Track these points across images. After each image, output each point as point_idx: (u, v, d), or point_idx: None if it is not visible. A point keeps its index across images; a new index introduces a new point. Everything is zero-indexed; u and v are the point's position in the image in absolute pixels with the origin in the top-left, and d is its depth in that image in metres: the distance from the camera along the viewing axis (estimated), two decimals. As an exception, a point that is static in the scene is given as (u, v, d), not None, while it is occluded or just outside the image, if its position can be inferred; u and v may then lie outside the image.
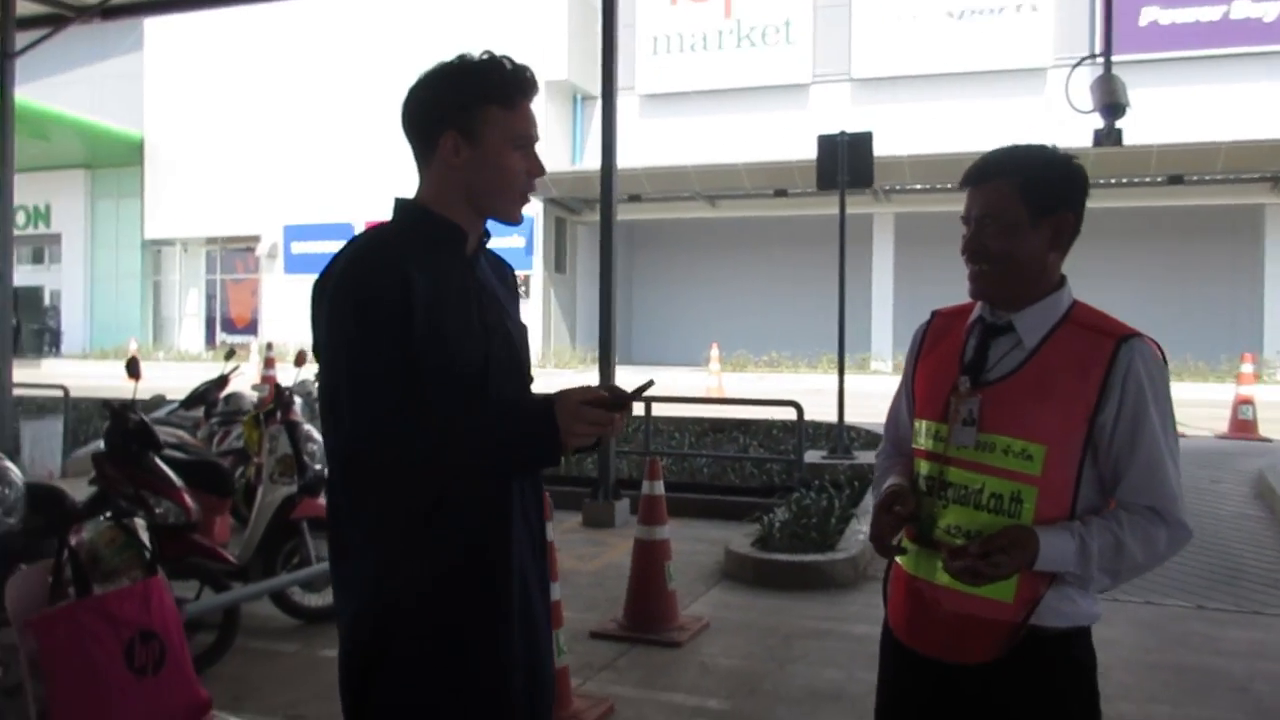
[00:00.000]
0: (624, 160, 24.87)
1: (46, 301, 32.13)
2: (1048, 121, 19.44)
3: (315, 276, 1.75)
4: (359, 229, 1.87)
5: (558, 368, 23.58)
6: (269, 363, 14.92)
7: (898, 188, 22.53)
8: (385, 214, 1.84)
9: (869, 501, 6.96)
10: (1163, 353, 1.85)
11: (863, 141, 8.27)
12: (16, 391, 11.26)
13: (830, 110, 24.38)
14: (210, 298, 31.13)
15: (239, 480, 6.73)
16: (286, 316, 26.38)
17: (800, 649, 4.91)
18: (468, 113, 1.76)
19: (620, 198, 25.28)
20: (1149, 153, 19.85)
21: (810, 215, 22.41)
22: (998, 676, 1.81)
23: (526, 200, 1.86)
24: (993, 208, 1.86)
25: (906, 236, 23.88)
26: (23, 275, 31.31)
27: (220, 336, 29.77)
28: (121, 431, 4.92)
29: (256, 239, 28.76)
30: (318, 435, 5.73)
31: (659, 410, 10.07)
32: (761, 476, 9.11)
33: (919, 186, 22.42)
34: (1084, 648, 1.85)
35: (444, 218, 1.79)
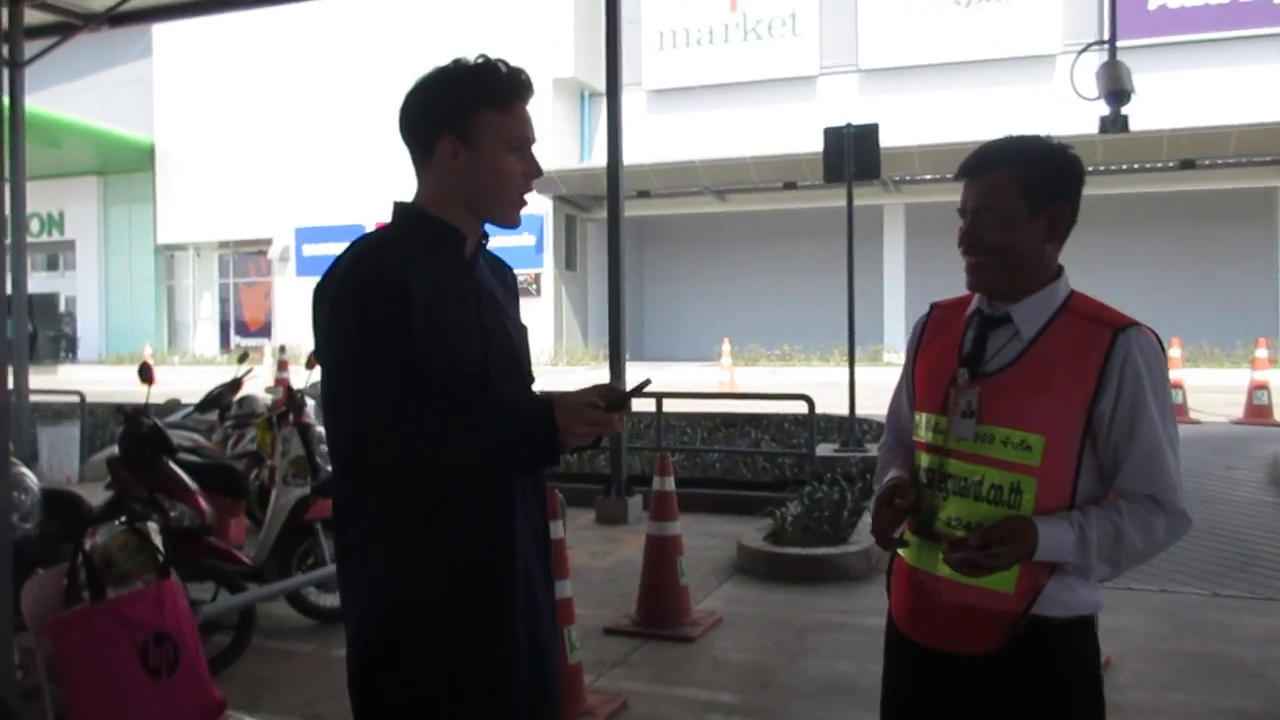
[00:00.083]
0: (632, 156, 24.82)
1: (62, 308, 32.36)
2: (1057, 108, 19.33)
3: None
4: (370, 230, 1.89)
5: (570, 365, 23.63)
6: (282, 365, 15.01)
7: (907, 178, 22.45)
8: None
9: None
10: (1160, 342, 1.85)
11: (869, 133, 8.26)
12: (33, 398, 11.36)
13: (838, 102, 24.32)
14: (223, 301, 31.29)
15: (253, 483, 6.78)
16: (299, 319, 26.49)
17: (813, 642, 4.92)
18: (464, 116, 1.77)
19: (629, 194, 25.33)
20: (1160, 138, 19.74)
21: (820, 208, 22.35)
22: (1000, 667, 1.82)
23: (524, 203, 1.88)
24: (989, 199, 1.87)
25: (917, 227, 23.81)
26: (38, 282, 31.55)
27: (234, 340, 29.92)
28: (135, 436, 4.98)
29: (268, 242, 28.89)
30: (330, 437, 5.77)
31: (670, 406, 10.07)
32: (774, 470, 9.11)
33: (928, 177, 22.34)
34: (1087, 637, 1.86)
35: (442, 221, 1.81)
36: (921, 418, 1.97)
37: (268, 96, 27.76)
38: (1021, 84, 23.26)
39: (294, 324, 26.81)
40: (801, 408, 8.66)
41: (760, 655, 4.80)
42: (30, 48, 9.86)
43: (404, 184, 1.80)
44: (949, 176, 22.21)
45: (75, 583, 2.57)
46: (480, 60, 1.82)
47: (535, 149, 1.87)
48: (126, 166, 30.09)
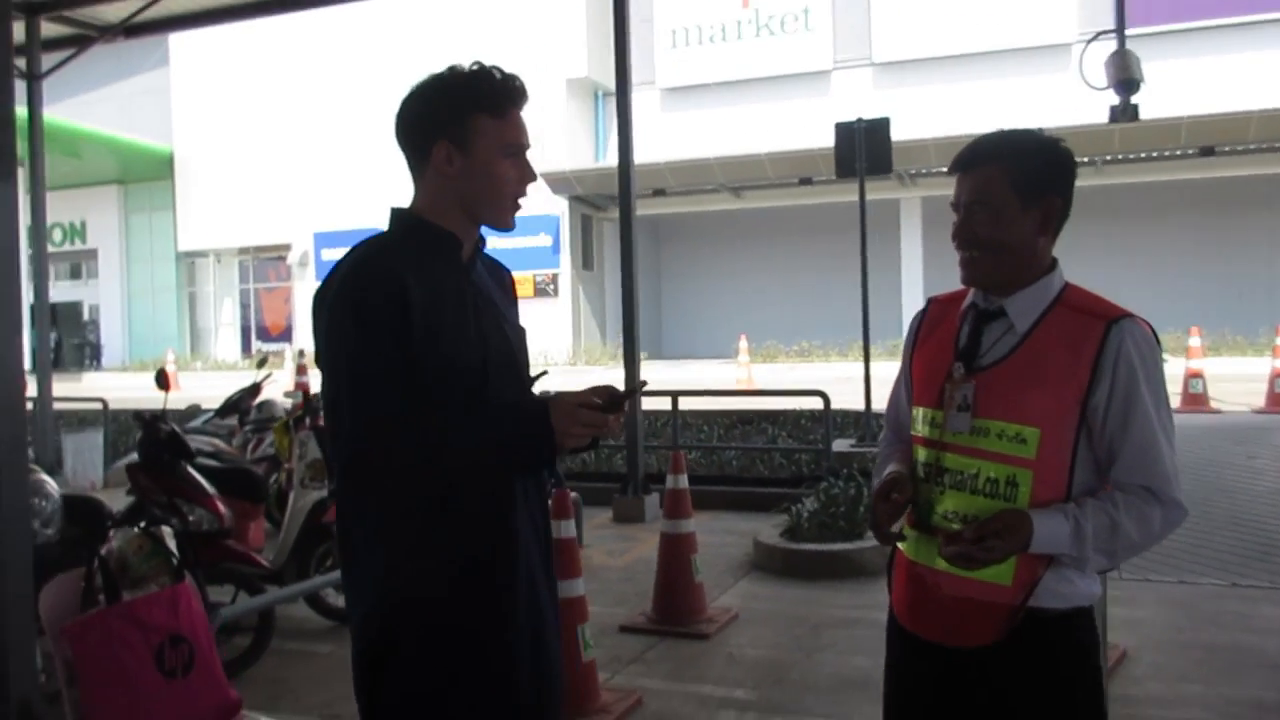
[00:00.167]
0: (647, 155, 24.91)
1: (85, 316, 32.68)
2: (1073, 98, 19.20)
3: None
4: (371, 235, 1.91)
5: (588, 364, 23.66)
6: (301, 369, 15.13)
7: (923, 171, 22.36)
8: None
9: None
10: (1155, 333, 1.86)
11: (880, 127, 8.24)
12: (57, 405, 11.52)
13: (852, 96, 24.26)
14: (244, 307, 31.53)
15: (272, 486, 6.85)
16: (320, 323, 26.59)
17: (828, 638, 4.93)
18: (458, 123, 1.80)
19: (644, 192, 25.40)
20: (1179, 125, 19.59)
21: (836, 203, 22.29)
22: (999, 659, 1.82)
23: (518, 207, 1.90)
24: (982, 194, 1.88)
25: (934, 220, 23.69)
26: (62, 291, 31.94)
27: (255, 345, 30.15)
28: (154, 442, 5.04)
29: (287, 247, 29.08)
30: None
31: (687, 404, 10.09)
32: (790, 467, 9.11)
33: (944, 170, 22.21)
34: (1085, 629, 1.86)
35: (438, 226, 1.83)
36: (918, 412, 1.98)
37: (284, 102, 27.93)
38: (1037, 74, 23.11)
39: (314, 328, 26.92)
40: (818, 403, 8.66)
41: (775, 651, 4.81)
42: (48, 60, 9.99)
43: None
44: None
45: (91, 586, 2.62)
46: (475, 67, 1.84)
47: (533, 153, 1.89)
48: (146, 175, 30.36)
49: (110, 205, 31.50)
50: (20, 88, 10.01)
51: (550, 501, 4.22)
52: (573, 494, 7.28)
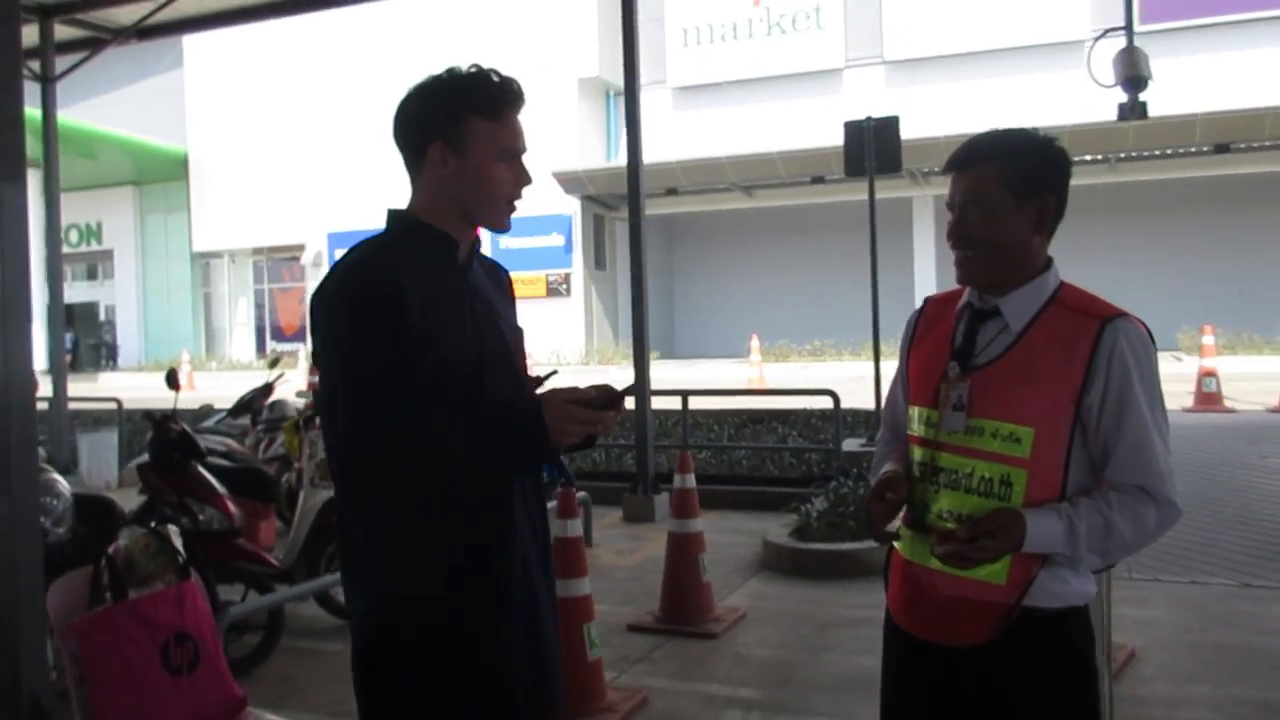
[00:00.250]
0: (658, 154, 24.89)
1: (102, 316, 32.90)
2: (1086, 95, 19.13)
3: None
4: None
5: (601, 364, 23.68)
6: (314, 369, 15.17)
7: (936, 170, 22.27)
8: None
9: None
10: (1150, 333, 1.86)
11: (889, 126, 8.23)
12: (72, 405, 11.62)
13: (864, 94, 24.20)
14: (259, 307, 31.68)
15: (283, 485, 6.89)
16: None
17: (835, 637, 4.93)
18: (454, 125, 1.80)
19: (656, 191, 25.39)
20: (1193, 122, 19.48)
21: (848, 201, 22.25)
22: (993, 658, 1.83)
23: (514, 209, 1.91)
24: (976, 193, 1.88)
25: (947, 219, 23.60)
26: (78, 291, 32.17)
27: (270, 345, 30.29)
28: (164, 441, 5.08)
29: (301, 248, 29.21)
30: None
31: (698, 404, 10.11)
32: (800, 466, 9.11)
33: (953, 169, 22.14)
34: (1080, 628, 1.86)
35: (434, 227, 1.84)
36: (914, 411, 1.99)
37: (297, 103, 28.05)
38: (1050, 71, 22.99)
39: (328, 328, 27.03)
40: (829, 403, 8.65)
41: (782, 651, 4.81)
42: (61, 62, 10.08)
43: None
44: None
45: (99, 584, 2.65)
46: (472, 69, 1.85)
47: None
48: (161, 176, 30.54)
49: (126, 206, 31.71)
50: (34, 90, 10.16)
51: (555, 500, 4.26)
52: (582, 493, 7.35)
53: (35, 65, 10.00)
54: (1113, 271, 23.04)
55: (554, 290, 26.30)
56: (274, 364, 9.42)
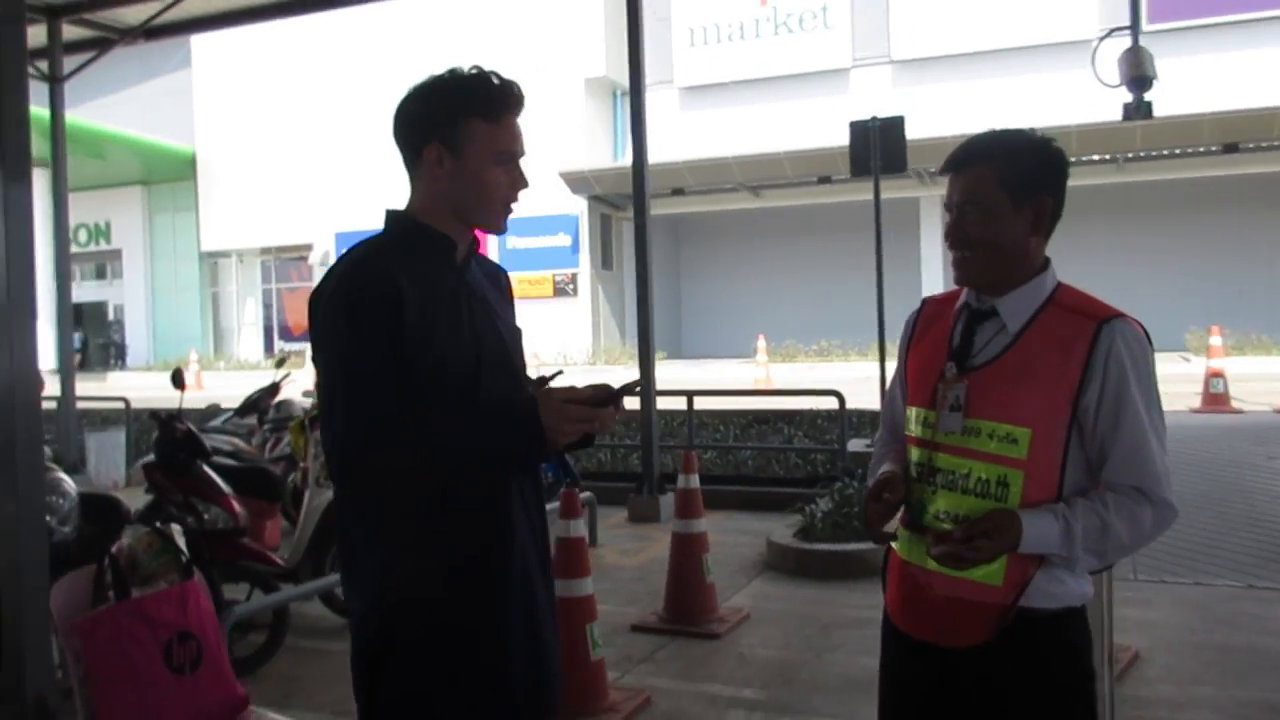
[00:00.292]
0: (665, 154, 24.85)
1: (110, 316, 33.01)
2: (1094, 95, 19.09)
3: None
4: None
5: (608, 364, 23.69)
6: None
7: (943, 170, 22.23)
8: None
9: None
10: (1147, 334, 1.86)
11: (895, 126, 8.21)
12: (80, 405, 11.66)
13: (871, 94, 24.17)
14: (267, 306, 31.76)
15: (289, 484, 6.90)
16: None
17: (839, 638, 4.93)
18: (451, 125, 1.81)
19: (662, 191, 25.34)
20: (1200, 121, 19.41)
21: (855, 201, 22.21)
22: (991, 659, 1.83)
23: (510, 211, 1.90)
24: (973, 194, 1.88)
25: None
26: (87, 291, 32.27)
27: (278, 344, 30.37)
28: (170, 441, 5.10)
29: (309, 247, 29.27)
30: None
31: (704, 404, 10.11)
32: (806, 467, 9.11)
33: (964, 168, 22.09)
34: (1077, 629, 1.86)
35: (431, 228, 1.85)
36: (912, 412, 1.99)
37: (305, 103, 28.11)
38: (1058, 71, 22.91)
39: (335, 328, 27.08)
40: (835, 403, 8.65)
41: (786, 651, 4.82)
42: (69, 62, 10.12)
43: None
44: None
45: (102, 583, 2.66)
46: (473, 70, 1.85)
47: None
48: (169, 176, 30.63)
49: (134, 206, 31.80)
50: (42, 90, 10.21)
51: (559, 501, 4.27)
52: (587, 493, 7.36)
53: (43, 65, 10.05)
54: (1120, 271, 23.00)
55: (561, 290, 26.32)
56: (280, 364, 9.45)
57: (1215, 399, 12.04)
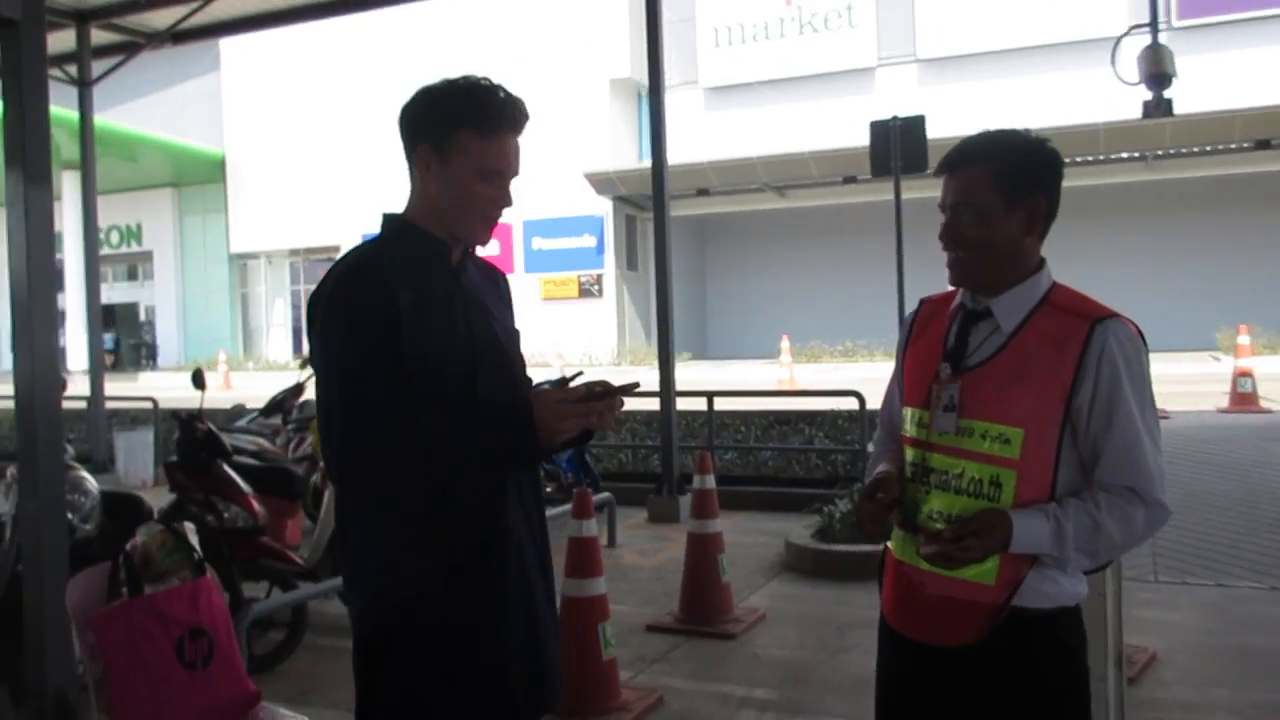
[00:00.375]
0: (690, 154, 24.80)
1: (142, 317, 33.44)
2: (1121, 92, 18.90)
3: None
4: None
5: (633, 364, 23.71)
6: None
7: (969, 169, 22.07)
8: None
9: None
10: (1141, 334, 1.85)
11: (915, 125, 8.19)
12: (110, 405, 11.83)
13: (897, 93, 24.06)
14: (295, 307, 32.02)
15: (311, 484, 6.97)
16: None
17: (854, 638, 4.92)
18: (442, 133, 1.82)
19: (687, 192, 25.26)
20: (1232, 118, 19.17)
21: (881, 201, 22.06)
22: (984, 659, 1.83)
23: (492, 224, 1.90)
24: (966, 195, 1.88)
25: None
26: (119, 292, 32.72)
27: (306, 345, 30.57)
28: (191, 441, 5.16)
29: (337, 249, 29.46)
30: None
31: (726, 405, 10.11)
32: (826, 468, 9.09)
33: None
34: (1071, 628, 1.86)
35: (425, 231, 1.87)
36: (907, 412, 1.99)
37: (332, 105, 28.33)
38: (1085, 68, 22.68)
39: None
40: (856, 404, 8.62)
41: (800, 651, 4.82)
42: (98, 66, 10.27)
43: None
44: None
45: (116, 580, 2.71)
46: (479, 81, 1.85)
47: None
48: (199, 178, 30.99)
49: (165, 208, 32.19)
50: (73, 94, 10.38)
51: (572, 502, 4.29)
52: (606, 494, 7.39)
53: (72, 69, 10.22)
54: (1151, 270, 22.78)
55: (586, 291, 26.38)
56: (305, 364, 9.54)
57: (1243, 399, 11.89)
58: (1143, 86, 7.54)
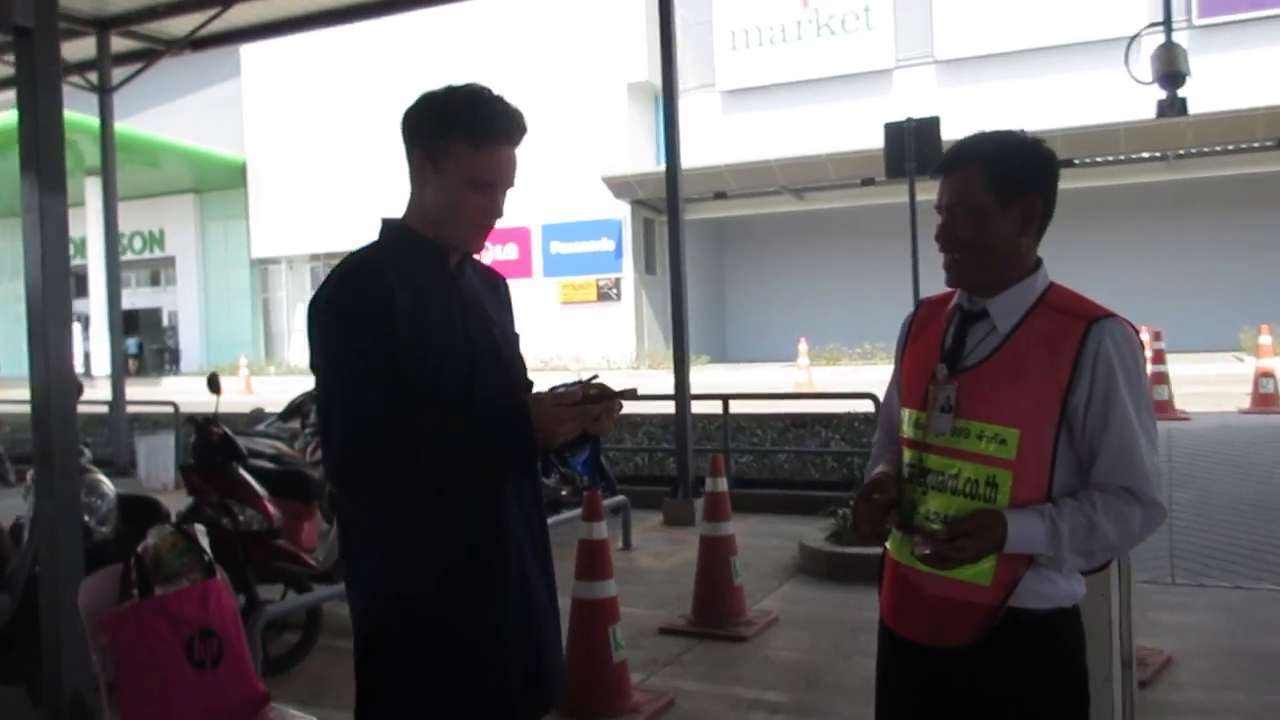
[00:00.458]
0: (708, 157, 24.75)
1: (165, 322, 33.73)
2: (1143, 92, 18.76)
3: None
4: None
5: (651, 368, 23.71)
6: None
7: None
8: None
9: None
10: (1137, 334, 1.85)
11: (929, 127, 8.17)
12: (131, 409, 11.95)
13: (915, 95, 23.97)
14: (316, 312, 32.18)
15: (326, 487, 7.01)
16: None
17: (866, 641, 4.90)
18: (437, 141, 1.84)
19: (705, 195, 25.20)
20: (1255, 116, 19.00)
21: (899, 203, 21.94)
22: (980, 659, 1.83)
23: (483, 233, 1.91)
24: (961, 196, 1.88)
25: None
26: (142, 297, 33.02)
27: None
28: (206, 444, 5.21)
29: (357, 254, 29.62)
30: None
31: (741, 407, 10.10)
32: (841, 470, 9.06)
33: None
34: (1069, 630, 1.85)
35: (422, 235, 1.89)
36: (905, 413, 2.00)
37: (352, 111, 28.49)
38: (1104, 68, 22.53)
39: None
40: (871, 406, 8.59)
41: (812, 654, 4.81)
42: (119, 74, 10.38)
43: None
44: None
45: (128, 581, 2.74)
46: (479, 90, 1.86)
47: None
48: (221, 184, 31.25)
49: (187, 213, 32.48)
50: (95, 100, 10.50)
51: (582, 505, 4.31)
52: (621, 497, 7.40)
53: (93, 76, 10.34)
54: (1173, 270, 22.58)
55: (604, 295, 26.42)
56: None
57: (1265, 399, 11.76)
58: (1156, 86, 7.50)
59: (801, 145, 23.63)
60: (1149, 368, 11.31)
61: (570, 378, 2.02)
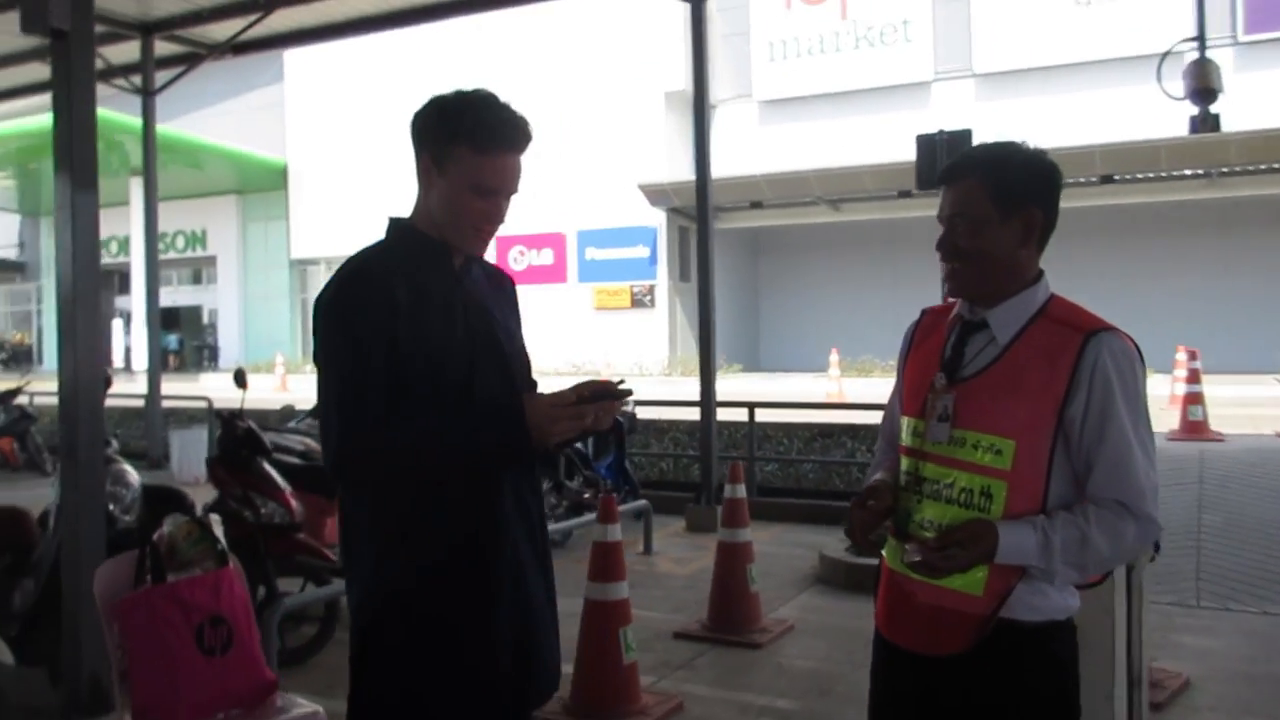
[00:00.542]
0: (744, 167, 24.72)
1: (205, 319, 34.22)
2: (1185, 107, 18.52)
3: None
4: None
5: (683, 375, 23.70)
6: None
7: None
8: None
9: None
10: (1137, 347, 1.84)
11: (961, 140, 8.07)
12: (167, 404, 12.15)
13: (953, 108, 23.81)
14: (353, 314, 32.49)
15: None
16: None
17: (881, 652, 4.89)
18: (443, 144, 1.87)
19: (740, 204, 25.12)
20: (1301, 135, 18.68)
21: (935, 216, 21.88)
22: (973, 669, 1.83)
23: (485, 237, 1.93)
24: (962, 206, 1.89)
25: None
26: (184, 295, 33.53)
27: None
28: (231, 438, 5.30)
29: (393, 256, 29.90)
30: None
31: (768, 416, 10.09)
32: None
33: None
34: (1063, 643, 1.85)
35: (427, 235, 1.92)
36: (905, 421, 2.00)
37: (392, 116, 28.69)
38: (1145, 84, 22.20)
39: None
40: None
41: (825, 663, 4.80)
42: (161, 77, 10.58)
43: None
44: (1067, 181, 21.59)
45: (143, 567, 2.81)
46: (487, 97, 1.88)
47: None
48: (262, 186, 31.66)
49: (229, 214, 32.94)
50: (138, 103, 10.70)
51: (598, 508, 4.33)
52: (643, 501, 7.42)
53: (136, 79, 10.55)
54: (1213, 288, 22.23)
55: (639, 302, 26.44)
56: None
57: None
58: (1190, 102, 7.42)
59: (838, 156, 23.54)
60: (1184, 387, 11.21)
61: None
